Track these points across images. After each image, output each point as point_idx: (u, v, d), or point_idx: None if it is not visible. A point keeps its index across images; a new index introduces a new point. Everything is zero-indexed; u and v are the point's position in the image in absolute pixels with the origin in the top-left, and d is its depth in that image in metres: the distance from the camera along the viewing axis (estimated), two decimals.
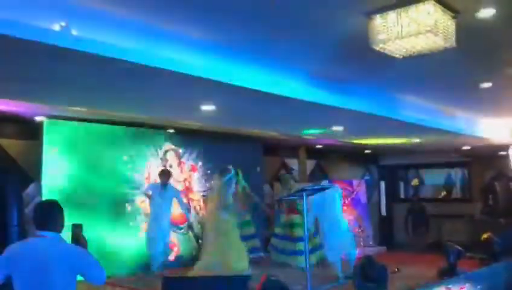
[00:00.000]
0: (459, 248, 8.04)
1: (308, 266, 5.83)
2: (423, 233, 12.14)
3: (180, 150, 9.22)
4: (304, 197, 6.00)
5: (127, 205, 8.35)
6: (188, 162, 9.33)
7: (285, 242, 8.48)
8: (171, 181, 8.31)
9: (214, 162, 9.38)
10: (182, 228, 9.00)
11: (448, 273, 7.51)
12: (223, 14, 4.06)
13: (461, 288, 5.53)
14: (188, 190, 9.25)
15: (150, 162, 8.73)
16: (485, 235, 9.31)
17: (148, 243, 7.89)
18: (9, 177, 6.08)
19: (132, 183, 8.44)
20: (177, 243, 8.93)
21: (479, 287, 5.69)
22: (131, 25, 4.13)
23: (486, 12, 3.98)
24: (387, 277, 6.60)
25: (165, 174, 8.06)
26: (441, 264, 7.96)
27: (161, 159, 8.90)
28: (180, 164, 9.20)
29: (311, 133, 9.37)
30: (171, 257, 8.63)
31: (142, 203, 8.46)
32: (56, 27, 3.68)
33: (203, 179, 9.44)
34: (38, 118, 7.46)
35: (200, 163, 9.46)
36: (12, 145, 7.60)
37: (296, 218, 8.38)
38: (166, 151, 9.02)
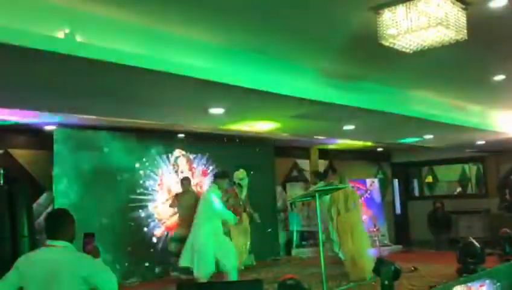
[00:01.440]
0: (477, 245, 7.89)
1: (323, 266, 5.74)
2: (445, 232, 11.87)
3: (191, 156, 9.20)
4: (317, 198, 5.93)
5: (140, 211, 8.34)
6: (199, 167, 9.31)
7: None
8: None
9: (225, 166, 9.35)
10: None
11: (467, 271, 7.37)
12: (230, 16, 4.01)
13: (481, 286, 5.42)
14: (200, 194, 9.22)
15: (162, 169, 8.73)
16: (503, 231, 9.16)
17: None
18: (20, 187, 6.08)
19: (145, 189, 8.44)
20: None
21: (498, 284, 5.57)
22: (139, 29, 4.09)
23: (498, 3, 3.88)
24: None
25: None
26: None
27: (172, 165, 8.90)
28: (191, 169, 9.19)
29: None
30: None
31: (155, 208, 8.45)
32: (60, 34, 3.65)
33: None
34: (48, 128, 7.46)
35: (211, 167, 9.43)
36: (24, 155, 7.63)
37: None
38: (177, 158, 9.02)
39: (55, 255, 2.96)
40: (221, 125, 7.67)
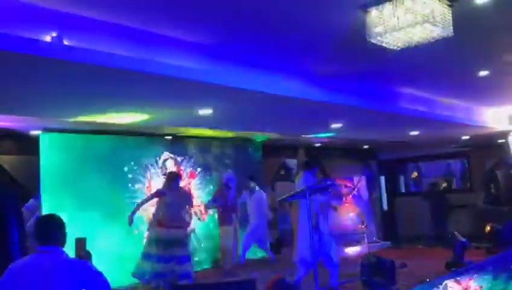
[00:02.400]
0: (463, 240, 7.99)
1: (316, 264, 5.75)
2: (443, 224, 11.82)
3: (179, 158, 9.17)
4: (307, 197, 5.93)
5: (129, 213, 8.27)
6: (187, 169, 9.29)
7: None
8: None
9: (213, 167, 9.34)
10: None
11: (456, 265, 7.46)
12: (217, 16, 4.00)
13: (469, 279, 5.49)
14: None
15: (150, 172, 8.69)
16: (487, 227, 9.29)
17: None
18: (9, 193, 6.00)
19: (133, 193, 8.39)
20: None
21: (486, 277, 5.64)
22: (124, 32, 4.07)
23: None
24: (395, 272, 6.57)
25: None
26: (447, 256, 7.91)
27: (160, 168, 8.86)
28: (179, 171, 9.15)
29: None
30: None
31: (144, 211, 8.40)
32: (47, 38, 3.61)
33: (202, 184, 9.37)
34: (33, 132, 7.38)
35: (199, 169, 9.41)
36: (10, 161, 7.53)
37: None
38: (165, 160, 8.99)
39: (48, 261, 2.92)
40: (210, 126, 7.67)
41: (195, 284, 6.11)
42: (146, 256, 6.85)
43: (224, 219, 8.43)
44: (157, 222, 6.97)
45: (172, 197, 6.96)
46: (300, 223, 6.39)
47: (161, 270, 6.69)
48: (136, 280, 7.51)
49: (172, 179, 7.22)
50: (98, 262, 6.67)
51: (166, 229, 6.81)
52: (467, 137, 10.94)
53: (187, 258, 6.90)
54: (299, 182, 6.58)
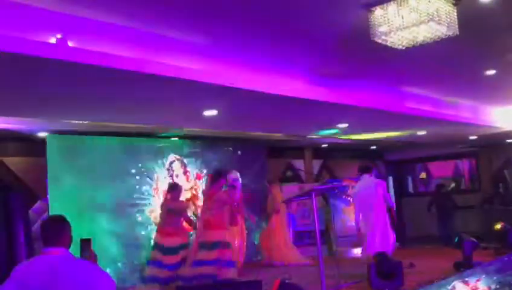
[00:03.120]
0: (474, 239, 7.93)
1: (322, 265, 5.73)
2: (450, 225, 11.74)
3: (185, 160, 9.20)
4: (313, 197, 5.91)
5: (137, 215, 8.31)
6: (193, 170, 9.31)
7: None
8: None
9: (218, 168, 9.33)
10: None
11: (464, 265, 7.40)
12: (220, 17, 4.00)
13: (477, 280, 5.44)
14: (195, 197, 9.22)
15: (157, 174, 8.72)
16: (497, 225, 9.21)
17: None
18: (15, 195, 6.03)
19: (140, 194, 8.42)
20: None
21: (495, 278, 5.60)
22: (129, 33, 4.08)
23: None
24: (402, 273, 6.53)
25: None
26: (456, 256, 7.85)
27: (167, 169, 8.91)
28: (185, 173, 9.19)
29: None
30: None
31: (152, 213, 8.44)
32: (52, 40, 3.63)
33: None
34: (40, 134, 7.42)
35: (205, 171, 9.43)
36: (17, 163, 7.58)
37: None
38: (171, 162, 9.02)
39: (53, 262, 2.92)
40: (215, 127, 7.68)
41: (202, 284, 6.10)
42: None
43: (229, 219, 8.41)
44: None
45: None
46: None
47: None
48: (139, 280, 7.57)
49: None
50: (104, 263, 6.72)
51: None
52: (474, 137, 10.87)
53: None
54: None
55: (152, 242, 7.74)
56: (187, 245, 7.34)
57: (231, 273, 6.59)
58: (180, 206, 7.51)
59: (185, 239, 7.39)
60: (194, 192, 9.23)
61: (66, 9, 3.65)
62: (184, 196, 9.03)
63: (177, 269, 7.03)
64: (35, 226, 6.68)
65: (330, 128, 8.86)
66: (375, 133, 10.15)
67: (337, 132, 8.96)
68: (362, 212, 7.67)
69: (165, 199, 7.65)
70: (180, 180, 8.94)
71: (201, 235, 6.86)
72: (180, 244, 7.24)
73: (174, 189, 7.58)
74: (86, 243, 3.55)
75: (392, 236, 7.76)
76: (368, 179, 7.67)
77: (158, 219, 8.28)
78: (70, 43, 3.75)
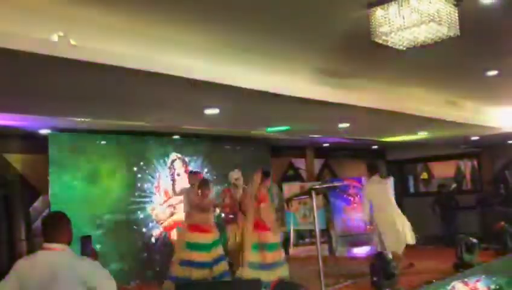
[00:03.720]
0: (473, 240, 7.94)
1: (320, 264, 5.75)
2: (452, 225, 11.72)
3: (186, 158, 9.23)
4: (313, 196, 5.94)
5: (139, 212, 8.34)
6: (194, 169, 9.33)
7: None
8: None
9: (220, 167, 9.36)
10: None
11: (464, 266, 7.42)
12: (222, 15, 4.01)
13: (477, 281, 5.46)
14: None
15: (159, 172, 8.75)
16: (498, 226, 9.21)
17: None
18: (16, 191, 6.07)
19: (142, 192, 8.45)
20: None
21: (494, 278, 5.61)
22: (133, 31, 4.09)
23: None
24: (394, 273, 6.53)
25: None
26: (456, 257, 7.86)
27: (169, 168, 8.95)
28: (186, 171, 9.22)
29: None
30: None
31: (153, 210, 8.47)
32: (54, 37, 3.64)
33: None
34: (42, 131, 7.44)
35: (205, 169, 9.46)
36: (18, 160, 7.61)
37: None
38: (173, 161, 9.06)
39: (54, 258, 2.95)
40: (216, 125, 7.69)
41: (202, 282, 6.12)
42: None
43: (231, 218, 8.44)
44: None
45: None
46: None
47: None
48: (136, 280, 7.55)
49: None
50: (105, 260, 6.76)
51: None
52: (476, 137, 10.87)
53: None
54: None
55: (177, 241, 7.58)
56: (219, 243, 7.18)
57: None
58: (208, 203, 7.31)
59: (216, 236, 7.21)
60: None
61: (69, 6, 3.67)
62: None
63: (211, 267, 6.85)
64: (37, 223, 6.72)
65: (333, 132, 8.88)
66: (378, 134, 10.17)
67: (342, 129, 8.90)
68: (378, 210, 7.77)
69: (195, 196, 7.34)
70: (182, 179, 9.00)
71: (252, 237, 6.57)
72: (213, 241, 7.07)
73: (205, 185, 7.33)
74: (86, 240, 3.58)
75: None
76: (378, 177, 7.96)
77: (159, 217, 8.33)
78: (72, 41, 3.76)
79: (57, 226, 3.05)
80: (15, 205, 5.63)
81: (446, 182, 13.17)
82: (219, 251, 7.09)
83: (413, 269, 7.93)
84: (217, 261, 6.96)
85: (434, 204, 11.93)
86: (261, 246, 6.45)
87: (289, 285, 5.03)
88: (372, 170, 7.98)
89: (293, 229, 10.67)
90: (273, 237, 6.61)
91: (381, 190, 7.66)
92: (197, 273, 6.69)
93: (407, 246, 7.61)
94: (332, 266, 8.05)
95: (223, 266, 7.03)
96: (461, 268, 7.27)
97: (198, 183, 7.35)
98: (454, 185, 13.89)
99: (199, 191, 7.24)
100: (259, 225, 6.55)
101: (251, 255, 6.41)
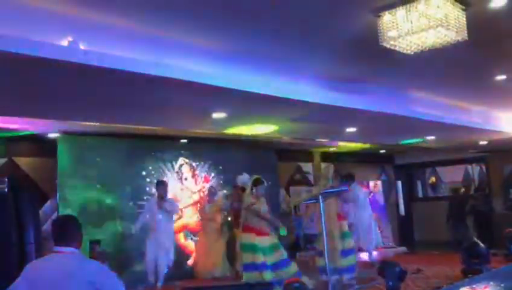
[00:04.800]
0: (482, 246, 7.88)
1: (328, 269, 5.74)
2: (464, 231, 11.65)
3: (194, 163, 9.26)
4: (321, 201, 5.92)
5: (147, 217, 8.34)
6: (202, 173, 9.37)
7: None
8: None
9: (227, 171, 9.38)
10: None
11: (473, 271, 7.36)
12: (230, 20, 4.03)
13: (485, 287, 5.42)
14: (203, 200, 9.27)
15: (166, 176, 8.78)
16: (507, 231, 9.15)
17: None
18: (26, 195, 6.11)
19: (150, 196, 8.47)
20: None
21: (503, 285, 5.57)
22: (140, 36, 4.12)
23: (497, 3, 3.91)
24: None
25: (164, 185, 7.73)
26: (464, 262, 7.80)
27: (177, 172, 8.99)
28: (194, 176, 9.25)
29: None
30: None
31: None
32: (64, 42, 3.68)
33: (217, 188, 9.41)
34: (52, 135, 7.49)
35: (212, 174, 9.48)
36: (28, 163, 7.66)
37: None
38: (181, 165, 9.10)
39: (63, 261, 2.96)
40: (223, 129, 7.70)
41: (210, 286, 6.12)
42: None
43: (237, 222, 8.45)
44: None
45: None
46: None
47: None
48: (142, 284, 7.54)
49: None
50: (113, 265, 6.77)
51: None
52: (484, 142, 10.81)
53: None
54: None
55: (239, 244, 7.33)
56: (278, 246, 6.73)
57: None
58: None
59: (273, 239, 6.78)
60: (202, 195, 9.28)
61: (79, 11, 3.70)
62: (192, 198, 9.13)
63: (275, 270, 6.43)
64: (46, 226, 6.76)
65: (340, 137, 8.91)
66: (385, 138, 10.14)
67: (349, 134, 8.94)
68: (359, 215, 9.07)
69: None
70: (189, 183, 9.05)
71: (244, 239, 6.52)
72: (271, 244, 6.62)
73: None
74: (95, 244, 3.60)
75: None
76: (358, 186, 9.41)
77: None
78: (82, 46, 3.79)
79: (67, 230, 3.07)
80: (24, 208, 5.67)
81: (459, 186, 13.13)
82: None
83: (421, 274, 7.88)
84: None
85: (450, 209, 11.88)
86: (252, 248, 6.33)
87: (299, 288, 4.99)
88: (351, 178, 8.88)
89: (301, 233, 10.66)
90: (263, 239, 6.42)
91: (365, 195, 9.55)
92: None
93: (412, 252, 7.58)
94: None
95: None
96: (470, 274, 7.21)
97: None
98: (462, 190, 13.83)
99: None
100: (248, 229, 6.45)
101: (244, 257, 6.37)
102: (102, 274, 3.03)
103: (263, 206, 6.44)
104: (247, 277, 6.11)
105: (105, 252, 6.73)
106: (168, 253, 7.54)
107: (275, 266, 6.19)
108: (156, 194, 7.68)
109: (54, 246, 3.04)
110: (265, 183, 6.67)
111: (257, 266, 6.10)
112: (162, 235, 7.49)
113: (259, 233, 6.29)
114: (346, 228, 7.50)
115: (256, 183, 6.52)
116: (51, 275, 2.92)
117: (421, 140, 9.90)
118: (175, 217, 8.34)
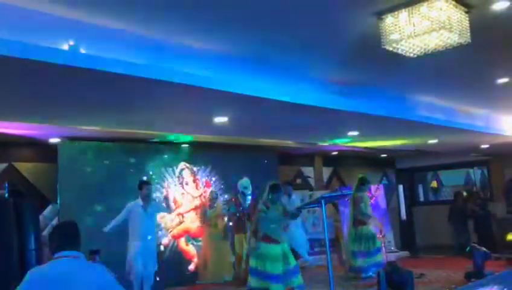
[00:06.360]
0: (485, 250, 7.84)
1: (331, 270, 5.68)
2: (466, 235, 11.58)
3: (195, 168, 9.23)
4: (323, 205, 5.87)
5: None
6: (203, 178, 9.33)
7: None
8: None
9: (229, 175, 9.34)
10: (199, 241, 8.96)
11: (476, 276, 7.31)
12: (234, 25, 4.02)
13: None
14: (204, 205, 9.23)
15: (167, 181, 8.74)
16: (510, 235, 9.11)
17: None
18: (26, 200, 6.08)
19: (151, 200, 8.42)
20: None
21: (506, 289, 5.54)
22: (140, 40, 4.11)
23: (500, 5, 3.89)
24: (413, 283, 6.46)
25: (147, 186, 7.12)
26: (467, 266, 7.76)
27: (178, 177, 8.95)
28: (195, 180, 9.22)
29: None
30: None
31: (162, 218, 8.44)
32: (64, 46, 3.66)
33: (218, 193, 9.37)
34: (52, 140, 7.48)
35: (214, 178, 9.44)
36: (28, 168, 7.64)
37: None
38: (181, 170, 9.06)
39: (70, 265, 2.93)
40: (226, 134, 7.69)
41: None
42: None
43: (238, 227, 8.42)
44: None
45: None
46: None
47: None
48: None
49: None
50: (113, 268, 6.71)
51: None
52: (486, 146, 10.78)
53: None
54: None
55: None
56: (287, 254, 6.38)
57: None
58: None
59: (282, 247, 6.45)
60: (203, 199, 9.24)
61: (79, 16, 3.69)
62: (193, 203, 9.09)
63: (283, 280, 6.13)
64: (45, 231, 6.72)
65: (341, 137, 8.83)
66: (386, 141, 10.11)
67: (350, 140, 8.91)
68: None
69: None
70: (190, 188, 9.02)
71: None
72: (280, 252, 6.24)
73: None
74: (94, 254, 3.56)
75: None
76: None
77: (168, 225, 8.26)
78: (82, 50, 3.78)
79: (70, 235, 3.05)
80: (25, 213, 5.64)
81: (461, 190, 13.07)
82: None
83: (425, 278, 7.83)
84: None
85: (451, 212, 11.82)
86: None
87: None
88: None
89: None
90: (271, 246, 6.13)
91: None
92: None
93: (415, 256, 7.52)
94: (342, 276, 7.98)
95: None
96: (473, 278, 7.17)
97: None
98: (464, 194, 13.78)
99: None
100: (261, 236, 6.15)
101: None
102: (105, 278, 3.00)
103: (274, 213, 6.23)
104: (254, 283, 6.01)
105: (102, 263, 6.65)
106: (154, 259, 7.02)
107: (284, 275, 6.07)
108: (140, 195, 6.94)
109: (58, 251, 3.01)
110: (283, 190, 6.42)
111: (266, 275, 5.98)
112: (148, 241, 6.94)
113: (269, 240, 6.15)
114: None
115: (273, 189, 6.12)
116: (55, 280, 2.89)
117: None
118: (158, 218, 8.05)
